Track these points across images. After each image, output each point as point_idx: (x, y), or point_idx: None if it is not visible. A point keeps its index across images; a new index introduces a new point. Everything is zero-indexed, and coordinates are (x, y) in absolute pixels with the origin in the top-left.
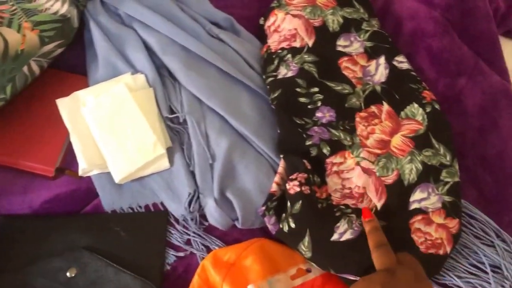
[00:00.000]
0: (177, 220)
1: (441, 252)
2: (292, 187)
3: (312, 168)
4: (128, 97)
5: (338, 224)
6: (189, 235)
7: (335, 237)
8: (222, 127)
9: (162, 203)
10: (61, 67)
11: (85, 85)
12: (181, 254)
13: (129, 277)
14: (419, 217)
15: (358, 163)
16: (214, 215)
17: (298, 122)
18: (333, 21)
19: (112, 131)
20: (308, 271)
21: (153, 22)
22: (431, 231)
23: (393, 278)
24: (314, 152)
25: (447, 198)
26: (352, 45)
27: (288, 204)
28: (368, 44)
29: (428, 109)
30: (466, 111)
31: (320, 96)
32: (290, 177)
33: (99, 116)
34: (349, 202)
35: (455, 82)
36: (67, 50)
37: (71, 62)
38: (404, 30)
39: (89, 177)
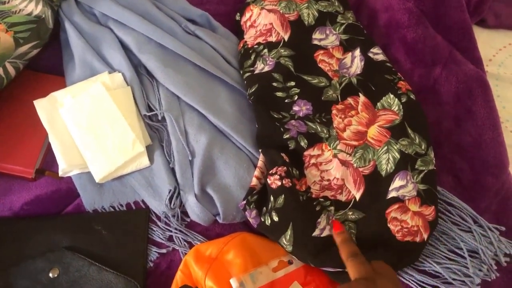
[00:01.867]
0: (158, 217)
1: (417, 239)
2: (274, 182)
3: (291, 161)
4: (105, 96)
5: (319, 220)
6: (171, 231)
7: (316, 232)
8: (201, 123)
9: (143, 201)
10: (37, 68)
11: (63, 85)
12: (164, 250)
13: (112, 275)
14: (396, 206)
15: (335, 155)
16: (195, 211)
17: (276, 116)
18: (308, 15)
19: (90, 131)
20: (290, 263)
21: (129, 21)
22: (407, 219)
23: (373, 286)
24: (292, 145)
25: (421, 186)
26: (327, 38)
27: (271, 198)
28: (343, 36)
29: (403, 99)
30: (441, 100)
31: (297, 90)
32: (270, 171)
33: (77, 116)
34: (328, 193)
35: (430, 72)
36: (43, 51)
37: (47, 63)
38: (379, 21)
39: (69, 178)
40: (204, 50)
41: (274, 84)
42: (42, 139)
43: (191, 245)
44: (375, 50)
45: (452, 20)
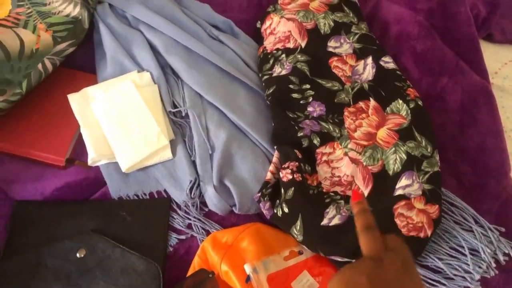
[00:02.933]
0: (179, 206)
1: (421, 235)
2: (285, 175)
3: (303, 157)
4: (134, 93)
5: (327, 210)
6: (190, 219)
7: (324, 222)
8: (221, 120)
9: (165, 191)
10: (72, 66)
11: (94, 82)
12: (183, 237)
13: (135, 257)
14: (402, 202)
15: (346, 154)
16: (213, 201)
17: (291, 115)
18: (325, 24)
19: (119, 124)
20: (300, 253)
21: (158, 24)
22: (412, 216)
23: (380, 266)
24: (305, 143)
25: (427, 186)
26: (342, 46)
27: (282, 190)
28: (357, 45)
29: (411, 105)
30: (447, 108)
31: (312, 92)
32: (283, 165)
33: (107, 110)
34: (338, 189)
35: (437, 81)
36: (78, 50)
37: (81, 61)
38: (391, 33)
39: (97, 167)
40: (226, 53)
41: (291, 86)
42: (74, 131)
43: (208, 233)
44: (387, 59)
45: (460, 34)
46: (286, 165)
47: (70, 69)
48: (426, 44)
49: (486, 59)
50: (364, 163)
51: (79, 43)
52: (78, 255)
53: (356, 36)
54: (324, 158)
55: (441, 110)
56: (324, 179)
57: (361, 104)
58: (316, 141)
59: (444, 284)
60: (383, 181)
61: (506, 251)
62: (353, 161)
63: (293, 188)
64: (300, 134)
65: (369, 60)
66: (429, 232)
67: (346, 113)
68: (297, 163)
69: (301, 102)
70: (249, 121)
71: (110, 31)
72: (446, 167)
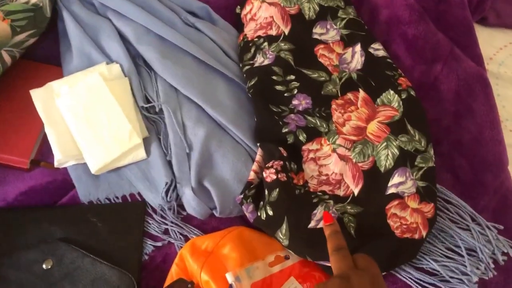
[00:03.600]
0: (154, 210)
1: (416, 236)
2: (269, 175)
3: (289, 155)
4: (103, 87)
5: (315, 211)
6: (167, 224)
7: (312, 224)
8: (199, 116)
9: (139, 193)
10: (34, 58)
11: (60, 75)
12: (159, 243)
13: (106, 267)
14: (395, 202)
15: (334, 150)
16: (191, 204)
17: (275, 109)
18: (309, 9)
19: (87, 122)
20: (286, 258)
21: (128, 11)
22: (406, 216)
23: (348, 285)
24: (290, 139)
25: (421, 183)
26: (328, 32)
27: (266, 192)
28: (344, 32)
29: (403, 96)
30: (441, 97)
31: (296, 84)
32: (267, 165)
33: (74, 107)
34: (326, 188)
35: (430, 69)
36: (40, 40)
37: (44, 53)
38: (380, 17)
39: (65, 169)
40: (203, 42)
41: (274, 77)
42: (38, 130)
43: (187, 239)
44: (376, 46)
45: (453, 18)
46: (270, 164)
47: (32, 61)
48: (418, 29)
49: (480, 44)
50: (354, 160)
51: (41, 33)
52: (44, 266)
53: (343, 22)
54: (311, 155)
55: (435, 100)
56: (310, 177)
57: (350, 95)
58: (302, 137)
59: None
60: (374, 179)
61: (505, 251)
62: (342, 158)
63: (277, 189)
64: (284, 130)
65: (358, 47)
66: (424, 233)
67: (334, 106)
68: (281, 162)
69: (285, 94)
70: (229, 116)
71: (75, 20)
72: (441, 162)
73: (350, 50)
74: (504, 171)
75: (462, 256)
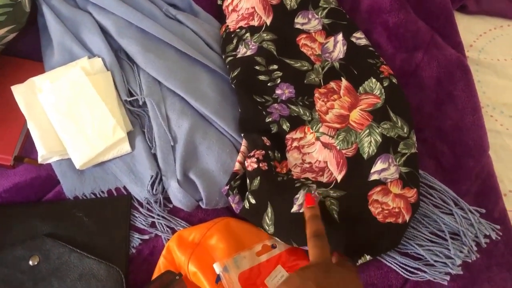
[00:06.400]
0: (141, 204)
1: (400, 220)
2: (250, 164)
3: (272, 144)
4: (85, 81)
5: (297, 196)
6: (153, 217)
7: (294, 209)
8: (183, 108)
9: (125, 187)
10: (15, 54)
11: (41, 71)
12: (146, 237)
13: (94, 262)
14: (378, 188)
15: (318, 138)
16: (177, 196)
17: (258, 100)
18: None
19: (70, 117)
20: (273, 247)
21: (108, 5)
22: (388, 201)
23: (327, 274)
24: (274, 129)
25: (404, 169)
26: (310, 22)
27: (248, 181)
28: (326, 21)
29: (385, 83)
30: (423, 85)
31: (279, 73)
32: (249, 154)
33: (57, 102)
34: (309, 175)
35: (411, 57)
36: (21, 36)
37: (25, 48)
38: (361, 6)
39: (49, 164)
40: (185, 34)
41: (257, 67)
42: (21, 126)
43: (173, 231)
44: (358, 34)
45: (433, 5)
46: (251, 154)
47: (13, 57)
48: (399, 18)
49: (460, 31)
50: (338, 147)
51: (21, 28)
52: (30, 262)
53: (325, 11)
54: (295, 144)
55: (416, 87)
56: (294, 166)
57: (332, 84)
58: (285, 126)
59: (425, 271)
60: (358, 166)
61: (487, 233)
62: (326, 145)
63: (259, 178)
64: (268, 119)
65: (339, 37)
66: (407, 217)
67: (316, 95)
68: (263, 152)
69: (268, 84)
70: (213, 108)
71: (56, 14)
72: (424, 148)
73: (332, 39)
74: (485, 156)
75: (446, 240)
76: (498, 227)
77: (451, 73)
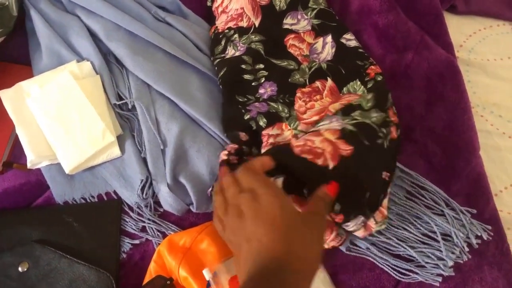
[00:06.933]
0: (131, 208)
1: (319, 162)
2: (221, 156)
3: (250, 140)
4: (74, 86)
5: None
6: (144, 222)
7: None
8: (172, 111)
9: (115, 192)
10: (2, 58)
11: (30, 75)
12: (137, 241)
13: (84, 268)
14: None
15: (295, 135)
16: (168, 200)
17: (241, 99)
18: (281, 0)
19: (59, 121)
20: None
21: (97, 8)
22: (316, 140)
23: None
24: (253, 125)
25: (349, 127)
26: (299, 23)
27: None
28: (315, 21)
29: (369, 85)
30: (413, 85)
31: (265, 73)
32: (224, 148)
33: (45, 106)
34: None
35: (401, 57)
36: (8, 40)
37: (13, 52)
38: (351, 7)
39: (38, 169)
40: (174, 37)
41: (243, 66)
42: (9, 131)
43: (164, 235)
44: (348, 36)
45: (423, 6)
46: (226, 148)
47: (1, 62)
48: (389, 18)
49: (450, 31)
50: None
51: (9, 32)
52: (20, 269)
53: (314, 12)
54: (271, 140)
55: (406, 88)
56: None
57: (318, 83)
58: (262, 122)
59: (416, 273)
60: None
61: (479, 234)
62: None
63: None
64: (246, 117)
65: (329, 38)
66: (330, 164)
67: (298, 94)
68: (236, 146)
69: (253, 84)
70: (203, 110)
71: (43, 18)
72: (415, 149)
73: (321, 40)
74: (476, 156)
75: (438, 241)
76: (490, 227)
77: (441, 73)
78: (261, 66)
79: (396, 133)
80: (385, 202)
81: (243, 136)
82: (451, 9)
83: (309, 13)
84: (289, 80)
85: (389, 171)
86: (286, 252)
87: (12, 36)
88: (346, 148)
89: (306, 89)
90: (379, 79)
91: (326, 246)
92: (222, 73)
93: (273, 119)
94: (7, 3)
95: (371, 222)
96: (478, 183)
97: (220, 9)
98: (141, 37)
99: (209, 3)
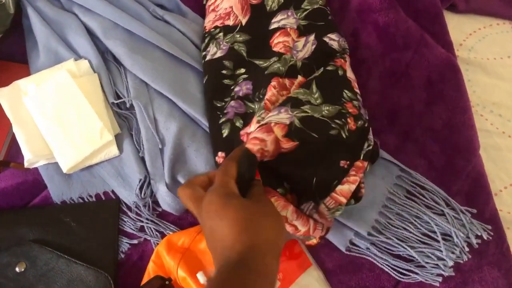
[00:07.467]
0: (129, 208)
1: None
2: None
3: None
4: (71, 84)
5: None
6: (142, 222)
7: None
8: (171, 110)
9: (113, 191)
10: (0, 56)
11: (27, 73)
12: (135, 241)
13: (82, 268)
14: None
15: (259, 122)
16: (166, 200)
17: (218, 105)
18: (273, 1)
19: (57, 120)
20: None
21: (94, 6)
22: (268, 141)
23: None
24: (226, 130)
25: (296, 122)
26: (288, 18)
27: None
28: (302, 22)
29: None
30: (413, 84)
31: (245, 76)
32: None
33: (42, 105)
34: None
35: (402, 56)
36: (5, 38)
37: (10, 51)
38: (350, 6)
39: (36, 169)
40: (172, 35)
41: (224, 71)
42: (6, 130)
43: (163, 235)
44: (333, 36)
45: (423, 4)
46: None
47: None
48: (389, 17)
49: (450, 30)
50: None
51: (6, 30)
52: (17, 269)
53: (305, 13)
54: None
55: (407, 87)
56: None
57: (287, 81)
58: (238, 123)
59: (416, 273)
60: None
61: (479, 234)
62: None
63: None
64: (222, 120)
65: (311, 37)
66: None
67: (273, 83)
68: (224, 153)
69: (232, 87)
70: (201, 109)
71: (41, 16)
72: (415, 148)
73: (303, 39)
74: (476, 155)
75: (438, 241)
76: (489, 227)
77: (441, 72)
78: (242, 70)
79: (355, 124)
80: (346, 189)
81: (221, 156)
82: (451, 7)
83: (299, 14)
84: (266, 72)
85: (349, 159)
86: (246, 245)
87: (9, 34)
88: (288, 146)
89: (282, 80)
90: (339, 73)
91: (315, 240)
92: (204, 81)
93: (249, 118)
94: (4, 1)
95: (323, 209)
96: (478, 182)
97: (211, 8)
98: (139, 35)
99: (204, 1)
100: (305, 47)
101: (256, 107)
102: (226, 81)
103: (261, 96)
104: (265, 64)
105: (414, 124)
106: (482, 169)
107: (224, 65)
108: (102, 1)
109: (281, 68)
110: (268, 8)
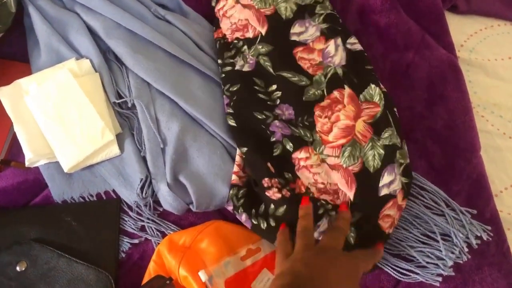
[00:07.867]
0: (130, 207)
1: (390, 230)
2: (274, 194)
3: (277, 170)
4: (73, 83)
5: (319, 223)
6: (143, 221)
7: (315, 235)
8: (173, 110)
9: (114, 191)
10: (0, 55)
11: (28, 72)
12: (136, 241)
13: (82, 267)
14: (390, 203)
15: (323, 160)
16: (168, 200)
17: (259, 117)
18: (286, 9)
19: (58, 119)
20: (258, 250)
21: (96, 5)
22: (393, 213)
23: (312, 254)
24: (278, 150)
25: (404, 180)
26: (307, 31)
27: (272, 205)
28: (324, 26)
29: (384, 88)
30: (414, 85)
31: (279, 94)
32: (266, 185)
33: (44, 104)
34: (327, 197)
35: (402, 57)
36: (6, 37)
37: (11, 49)
38: (352, 7)
39: (36, 168)
40: (174, 35)
41: (256, 87)
42: (7, 129)
43: (164, 235)
44: (352, 40)
45: (424, 5)
46: (268, 185)
47: None
48: (390, 18)
49: (451, 31)
50: (344, 165)
51: (7, 29)
52: (18, 268)
53: (322, 17)
54: (302, 163)
55: (407, 88)
56: (309, 184)
57: (336, 94)
58: (289, 146)
59: (417, 273)
60: (366, 180)
61: (479, 234)
62: (333, 167)
63: (285, 206)
64: (272, 139)
65: (339, 40)
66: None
67: (317, 113)
68: (276, 179)
69: (268, 103)
70: (203, 109)
71: (42, 15)
72: (415, 149)
73: (332, 42)
74: (476, 156)
75: (437, 241)
76: (489, 227)
77: (442, 73)
78: (274, 87)
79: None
80: None
81: (271, 168)
82: (452, 8)
83: (316, 19)
84: (304, 98)
85: None
86: None
87: (10, 33)
88: (404, 206)
89: (325, 103)
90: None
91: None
92: (235, 89)
93: (299, 143)
94: None
95: None
96: (479, 183)
97: (221, 12)
98: (141, 35)
99: (213, 3)
100: (337, 50)
101: (302, 132)
102: (261, 96)
103: (306, 123)
104: (294, 79)
105: (415, 125)
106: (483, 170)
107: (255, 81)
108: (104, 1)
109: (316, 92)
110: (283, 17)
